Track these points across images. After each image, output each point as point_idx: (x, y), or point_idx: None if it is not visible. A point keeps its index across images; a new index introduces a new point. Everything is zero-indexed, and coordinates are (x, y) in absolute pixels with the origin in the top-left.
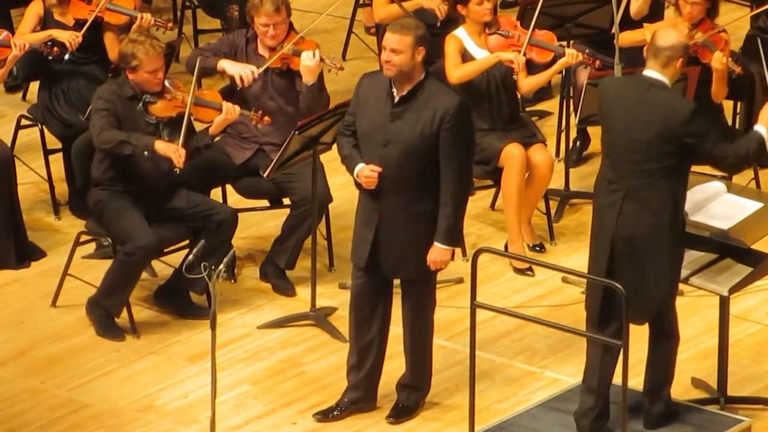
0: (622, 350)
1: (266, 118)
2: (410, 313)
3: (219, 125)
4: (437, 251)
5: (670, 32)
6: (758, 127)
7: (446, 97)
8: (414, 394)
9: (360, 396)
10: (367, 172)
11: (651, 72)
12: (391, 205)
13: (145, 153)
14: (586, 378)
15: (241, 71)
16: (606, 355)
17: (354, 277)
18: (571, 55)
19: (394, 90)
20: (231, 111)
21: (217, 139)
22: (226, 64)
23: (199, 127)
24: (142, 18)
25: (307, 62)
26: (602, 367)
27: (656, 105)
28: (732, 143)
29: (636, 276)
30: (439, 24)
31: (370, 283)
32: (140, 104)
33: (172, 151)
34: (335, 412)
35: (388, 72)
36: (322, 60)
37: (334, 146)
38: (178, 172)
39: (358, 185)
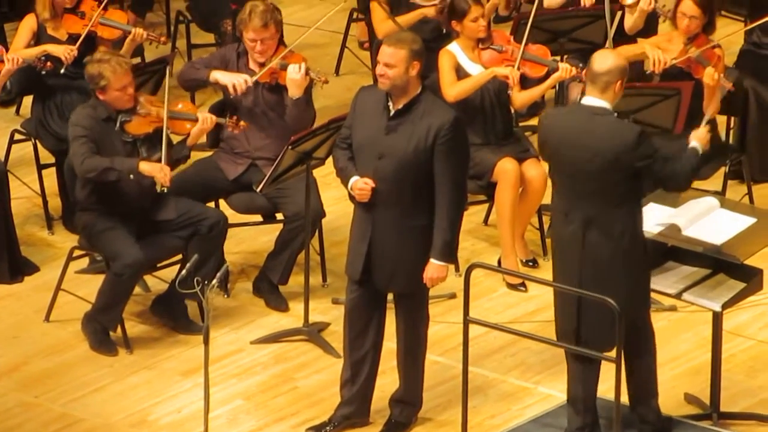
0: (615, 366)
1: (242, 123)
2: (403, 328)
3: (196, 136)
4: (433, 267)
5: (606, 55)
6: (693, 144)
7: (442, 112)
8: (407, 410)
9: (353, 411)
10: (361, 184)
11: (591, 99)
12: (384, 219)
13: (131, 176)
14: (570, 397)
15: (233, 80)
16: (587, 371)
17: (348, 290)
18: (565, 69)
19: (390, 103)
20: (206, 121)
21: (209, 154)
22: (218, 75)
23: (175, 139)
24: (134, 33)
25: (293, 75)
26: (585, 382)
27: (601, 135)
28: (675, 162)
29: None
30: (444, 31)
31: (364, 296)
32: (117, 125)
33: (157, 171)
34: (328, 428)
35: (382, 85)
36: (307, 74)
37: (328, 161)
38: (165, 191)
39: (352, 198)
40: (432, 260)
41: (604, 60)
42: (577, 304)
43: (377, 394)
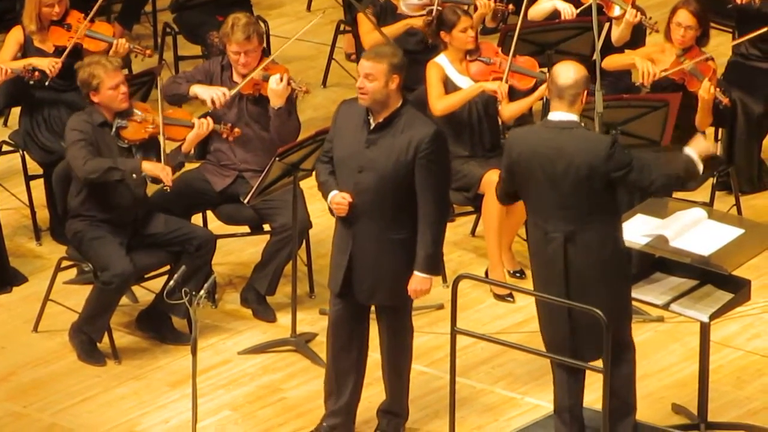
0: (603, 376)
1: (236, 130)
2: (386, 340)
3: (192, 142)
4: (417, 280)
5: (568, 68)
6: (688, 150)
7: (422, 126)
8: (394, 421)
9: (339, 422)
10: (338, 198)
11: (558, 114)
12: (365, 232)
13: (134, 176)
14: (557, 408)
15: (212, 94)
16: (573, 380)
17: (331, 303)
18: None
19: (371, 117)
20: (203, 126)
21: (196, 165)
22: (197, 89)
23: (171, 146)
24: (116, 44)
25: (274, 86)
26: (571, 392)
27: (573, 150)
28: (657, 167)
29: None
30: (429, 43)
31: (347, 309)
32: (112, 130)
33: (160, 169)
34: None
35: (363, 101)
36: (289, 84)
37: (315, 173)
38: (168, 190)
39: (331, 212)
40: (416, 273)
41: (568, 73)
42: (566, 315)
43: (365, 405)
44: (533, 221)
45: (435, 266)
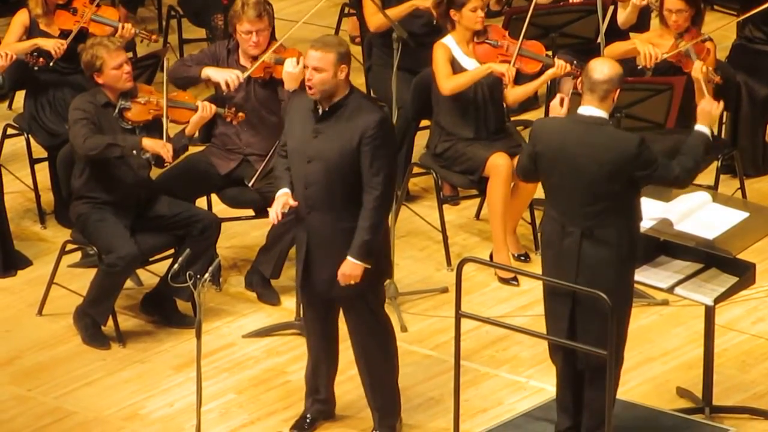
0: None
1: (240, 114)
2: (357, 334)
3: (195, 125)
4: (348, 265)
5: (604, 63)
6: (699, 127)
7: (368, 113)
8: (387, 418)
9: (326, 408)
10: (284, 199)
11: (588, 109)
12: (318, 223)
13: (134, 152)
14: (559, 396)
15: (226, 77)
16: (576, 375)
17: (300, 298)
18: (560, 66)
19: (319, 107)
20: (206, 109)
21: (201, 148)
22: (210, 71)
23: (174, 129)
24: (123, 28)
25: (290, 69)
26: (574, 386)
27: (601, 146)
28: (676, 159)
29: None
30: (435, 24)
31: (314, 301)
32: (115, 111)
33: (161, 146)
34: (307, 422)
35: (312, 94)
36: (305, 67)
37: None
38: (168, 165)
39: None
40: (348, 258)
41: (603, 68)
42: (570, 307)
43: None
44: (551, 214)
45: (369, 253)
